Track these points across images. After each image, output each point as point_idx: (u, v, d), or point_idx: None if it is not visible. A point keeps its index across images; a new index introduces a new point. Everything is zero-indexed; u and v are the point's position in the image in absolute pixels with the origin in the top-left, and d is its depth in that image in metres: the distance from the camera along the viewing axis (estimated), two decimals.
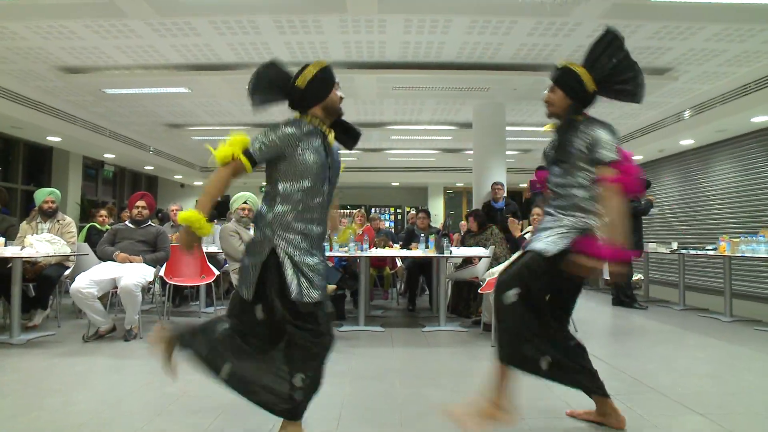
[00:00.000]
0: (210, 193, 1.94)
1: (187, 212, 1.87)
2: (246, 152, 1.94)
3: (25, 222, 4.70)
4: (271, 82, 2.12)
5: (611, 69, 2.16)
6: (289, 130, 1.96)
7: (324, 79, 2.07)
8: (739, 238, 5.25)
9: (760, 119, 6.31)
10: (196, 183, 14.81)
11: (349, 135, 2.18)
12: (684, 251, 6.16)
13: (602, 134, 2.10)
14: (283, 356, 1.97)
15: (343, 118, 2.14)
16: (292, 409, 1.94)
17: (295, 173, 1.95)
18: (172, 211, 6.26)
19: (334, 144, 2.13)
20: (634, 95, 2.18)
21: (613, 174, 2.04)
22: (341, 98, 2.11)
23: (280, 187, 1.97)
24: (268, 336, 2.00)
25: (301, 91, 2.05)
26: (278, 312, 1.93)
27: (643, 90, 2.17)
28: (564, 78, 2.23)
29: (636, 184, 2.10)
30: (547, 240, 2.13)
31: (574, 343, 2.24)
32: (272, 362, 1.97)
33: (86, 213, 7.50)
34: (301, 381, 1.92)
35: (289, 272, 1.90)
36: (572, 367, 2.18)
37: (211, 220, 1.95)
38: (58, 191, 4.88)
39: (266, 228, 1.96)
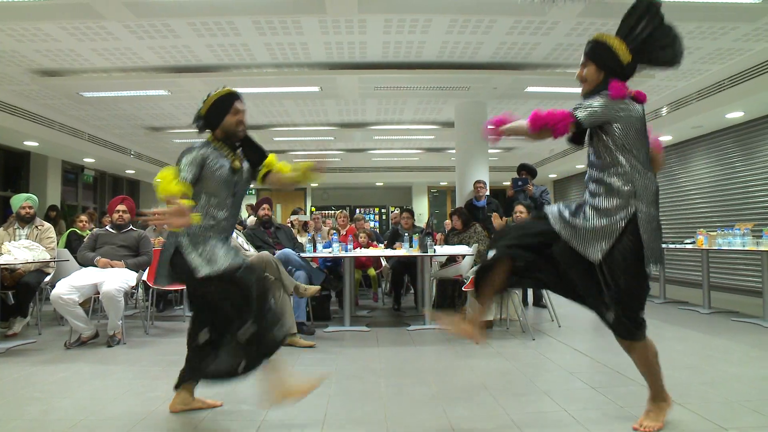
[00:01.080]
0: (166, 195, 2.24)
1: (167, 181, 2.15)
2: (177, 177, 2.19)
3: (1, 229, 4.60)
4: (197, 112, 2.47)
5: (647, 37, 2.06)
6: (197, 152, 2.31)
7: (220, 105, 2.37)
8: (716, 231, 5.38)
9: (734, 115, 6.47)
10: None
11: (255, 154, 2.48)
12: (663, 246, 6.27)
13: (593, 98, 2.10)
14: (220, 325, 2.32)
15: (251, 136, 2.45)
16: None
17: (204, 187, 2.31)
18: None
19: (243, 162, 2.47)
20: (672, 61, 2.11)
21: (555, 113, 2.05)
22: (239, 122, 2.39)
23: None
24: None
25: (203, 116, 2.40)
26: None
27: (681, 55, 2.10)
28: (595, 51, 2.13)
29: (557, 128, 2.05)
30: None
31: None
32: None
33: (66, 218, 7.39)
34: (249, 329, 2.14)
35: (193, 255, 2.21)
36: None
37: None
38: (35, 197, 4.79)
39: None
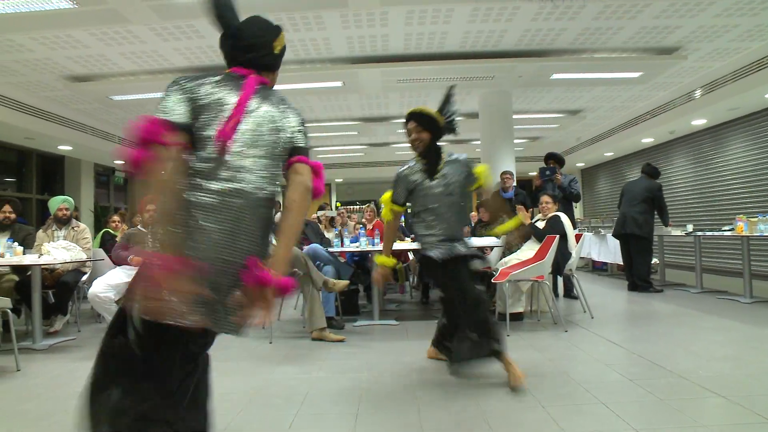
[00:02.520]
0: (384, 239, 3.11)
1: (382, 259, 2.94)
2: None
3: (41, 230, 4.77)
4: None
5: (450, 115, 2.93)
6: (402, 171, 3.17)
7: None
8: (756, 217, 5.16)
9: None
10: None
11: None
12: (700, 233, 6.07)
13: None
14: None
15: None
16: None
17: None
18: None
19: None
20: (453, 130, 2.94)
21: None
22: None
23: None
24: None
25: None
26: None
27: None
28: (422, 119, 2.92)
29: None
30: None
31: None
32: None
33: (99, 220, 7.61)
34: None
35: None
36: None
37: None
38: (71, 199, 4.95)
39: None
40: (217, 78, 1.47)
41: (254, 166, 1.41)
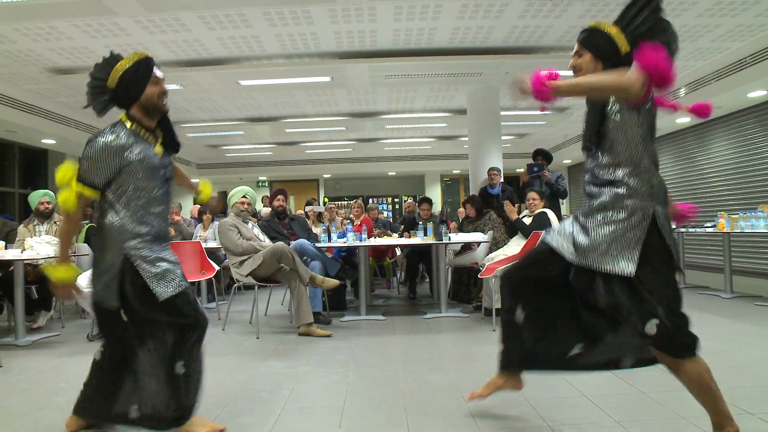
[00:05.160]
0: (63, 240, 2.09)
1: (59, 271, 1.99)
2: (81, 180, 1.92)
3: (22, 225, 4.70)
4: (95, 86, 2.01)
5: (645, 31, 1.88)
6: (105, 139, 1.90)
7: (136, 74, 1.93)
8: (737, 214, 5.26)
9: (756, 94, 6.30)
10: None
11: (170, 141, 2.10)
12: (683, 229, 6.17)
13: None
14: (156, 354, 1.97)
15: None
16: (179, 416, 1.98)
17: (131, 183, 1.94)
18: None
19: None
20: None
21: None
22: (163, 93, 1.99)
23: (111, 196, 1.96)
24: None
25: (113, 90, 1.95)
26: (141, 314, 1.95)
27: (675, 53, 1.91)
28: (593, 38, 1.93)
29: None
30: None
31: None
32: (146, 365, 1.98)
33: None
34: (182, 367, 1.95)
35: (147, 273, 1.91)
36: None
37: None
38: (52, 192, 4.87)
39: (110, 240, 1.96)
40: None
41: None
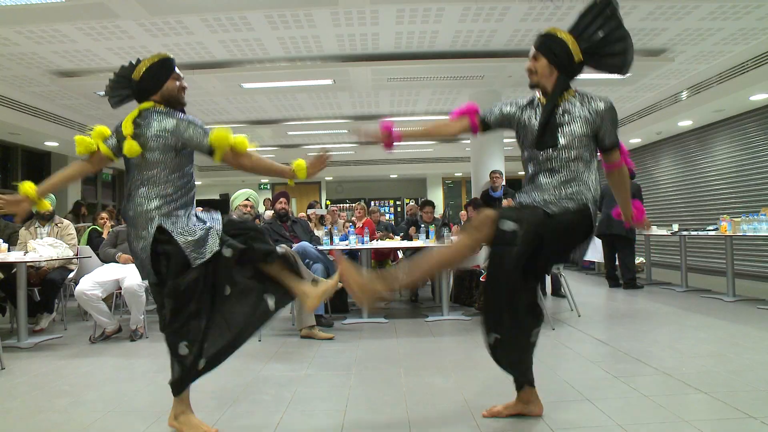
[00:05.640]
0: (57, 176, 2.24)
1: (25, 186, 2.09)
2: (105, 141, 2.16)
3: (23, 228, 4.71)
4: (118, 81, 2.26)
5: (601, 39, 2.01)
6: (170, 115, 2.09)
7: (160, 69, 2.14)
8: (740, 217, 5.25)
9: (758, 97, 6.29)
10: (196, 183, 14.79)
11: None
12: (685, 233, 6.16)
13: (615, 114, 2.07)
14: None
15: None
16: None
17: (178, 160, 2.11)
18: None
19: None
20: (620, 68, 2.06)
21: (619, 156, 2.10)
22: (183, 87, 2.18)
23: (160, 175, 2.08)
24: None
25: (137, 82, 2.14)
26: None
27: (630, 63, 2.05)
28: (548, 45, 2.06)
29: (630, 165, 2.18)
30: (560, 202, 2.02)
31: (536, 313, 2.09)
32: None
33: (77, 216, 7.52)
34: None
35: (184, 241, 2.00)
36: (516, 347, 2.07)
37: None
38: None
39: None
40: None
41: None
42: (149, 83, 2.13)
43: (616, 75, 2.13)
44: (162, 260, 2.03)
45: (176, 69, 2.18)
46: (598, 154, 2.14)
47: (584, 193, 2.03)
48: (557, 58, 2.03)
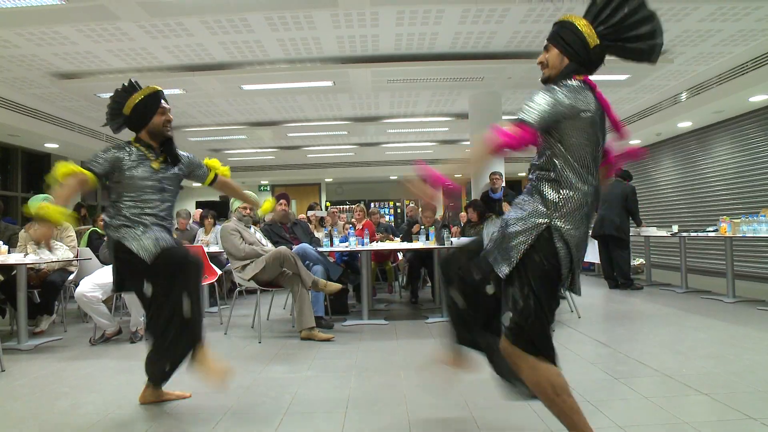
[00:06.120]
0: (65, 190, 2.34)
1: (52, 209, 2.18)
2: (84, 166, 2.31)
3: (23, 230, 4.70)
4: (113, 109, 2.47)
5: (620, 20, 1.71)
6: (113, 153, 2.33)
7: (146, 106, 2.35)
8: (740, 218, 5.25)
9: (758, 98, 6.30)
10: (194, 184, 14.79)
11: (172, 157, 2.48)
12: (685, 234, 6.16)
13: (538, 94, 1.69)
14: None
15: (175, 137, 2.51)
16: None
17: (124, 187, 2.36)
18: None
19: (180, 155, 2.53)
20: (648, 54, 1.74)
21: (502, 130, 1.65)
22: (167, 121, 2.40)
23: (114, 196, 2.40)
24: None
25: (127, 117, 2.38)
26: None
27: (659, 49, 1.74)
28: (557, 32, 1.81)
29: (512, 145, 1.64)
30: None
31: None
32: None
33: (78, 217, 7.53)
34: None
35: (134, 245, 2.26)
36: None
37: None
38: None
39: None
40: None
41: None
42: (137, 121, 2.37)
43: (645, 63, 1.79)
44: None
45: (162, 102, 2.38)
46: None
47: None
48: (568, 46, 1.76)
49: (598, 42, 1.75)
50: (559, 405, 1.67)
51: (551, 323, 1.75)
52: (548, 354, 1.72)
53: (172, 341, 2.26)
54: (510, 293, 1.71)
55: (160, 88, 2.42)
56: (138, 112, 2.34)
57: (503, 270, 1.70)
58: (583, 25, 1.76)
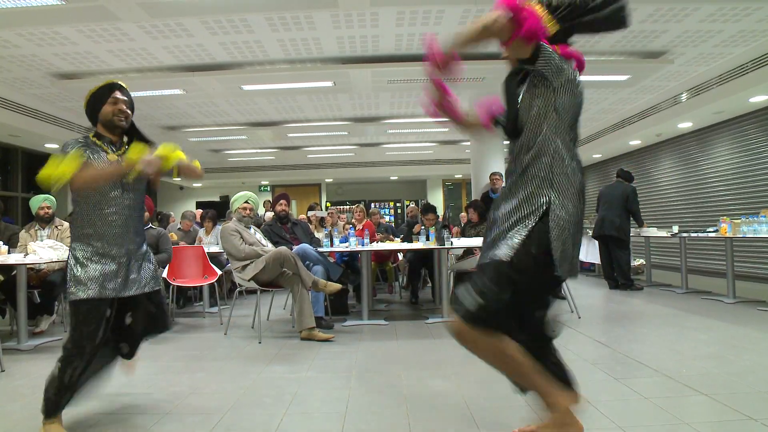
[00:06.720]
0: (108, 170, 2.17)
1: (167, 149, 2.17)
2: (75, 153, 2.16)
3: (23, 230, 4.71)
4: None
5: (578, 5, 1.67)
6: (73, 147, 2.18)
7: (96, 98, 2.25)
8: (740, 219, 5.25)
9: (758, 99, 6.30)
10: (195, 185, 14.81)
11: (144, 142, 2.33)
12: (685, 234, 6.16)
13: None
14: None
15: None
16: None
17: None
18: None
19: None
20: (615, 22, 1.68)
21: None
22: (118, 111, 2.24)
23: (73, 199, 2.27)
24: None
25: (85, 112, 2.30)
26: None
27: (623, 12, 1.66)
28: None
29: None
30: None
31: None
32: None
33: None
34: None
35: (77, 269, 2.17)
36: None
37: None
38: (52, 197, 4.87)
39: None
40: None
41: None
42: (91, 116, 2.29)
43: (617, 30, 1.74)
44: None
45: (117, 93, 2.25)
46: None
47: None
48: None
49: (557, 27, 1.72)
50: (510, 360, 1.79)
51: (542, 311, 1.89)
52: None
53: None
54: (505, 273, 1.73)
55: (118, 81, 2.29)
56: (90, 104, 2.27)
57: (505, 253, 1.73)
58: (540, 11, 1.70)
